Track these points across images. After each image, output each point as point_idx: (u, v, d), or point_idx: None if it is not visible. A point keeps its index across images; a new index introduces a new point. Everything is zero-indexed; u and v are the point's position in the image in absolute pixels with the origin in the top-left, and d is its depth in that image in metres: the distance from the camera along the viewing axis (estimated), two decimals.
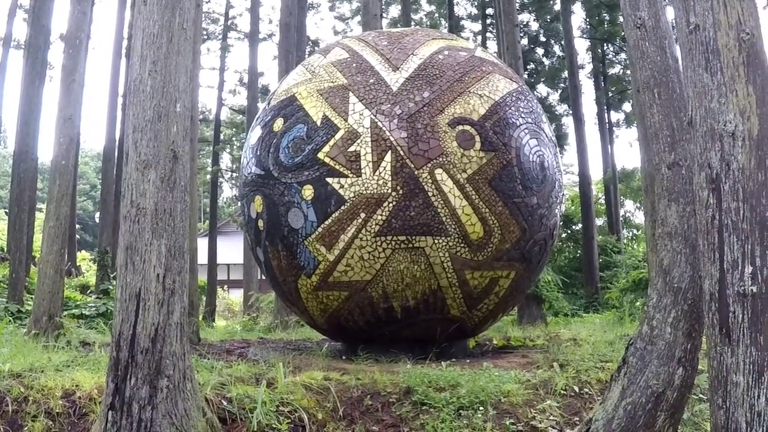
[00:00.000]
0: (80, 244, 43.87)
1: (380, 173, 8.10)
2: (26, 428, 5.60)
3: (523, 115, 8.91)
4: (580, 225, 28.83)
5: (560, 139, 32.35)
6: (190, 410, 5.25)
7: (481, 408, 6.34)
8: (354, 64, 8.97)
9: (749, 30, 4.00)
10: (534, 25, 35.86)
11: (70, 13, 12.23)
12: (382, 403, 6.56)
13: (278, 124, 8.94)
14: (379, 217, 8.08)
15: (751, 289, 3.73)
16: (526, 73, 31.57)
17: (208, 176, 35.06)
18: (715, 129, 3.97)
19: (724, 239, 3.87)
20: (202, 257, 22.80)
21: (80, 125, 21.63)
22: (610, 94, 34.11)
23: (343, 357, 9.15)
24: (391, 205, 8.06)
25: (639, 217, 38.12)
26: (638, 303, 17.15)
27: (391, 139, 8.18)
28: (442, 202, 8.08)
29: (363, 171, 8.15)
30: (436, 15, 38.54)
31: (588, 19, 34.26)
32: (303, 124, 8.64)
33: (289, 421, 5.98)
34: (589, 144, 31.92)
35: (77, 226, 41.14)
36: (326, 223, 8.25)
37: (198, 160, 26.50)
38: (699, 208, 4.08)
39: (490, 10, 33.79)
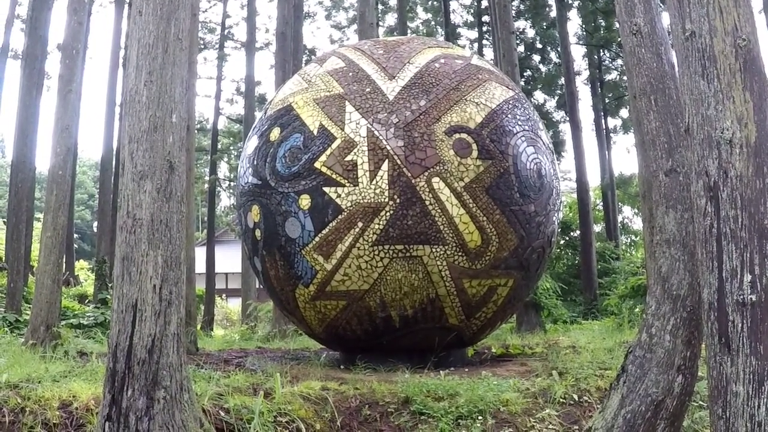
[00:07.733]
0: (78, 253, 43.83)
1: (377, 182, 8.08)
2: None
3: (519, 123, 8.90)
4: (578, 232, 28.71)
5: (558, 146, 32.33)
6: (188, 421, 5.23)
7: (479, 417, 6.32)
8: (350, 73, 8.96)
9: (746, 36, 3.99)
10: (530, 32, 35.79)
11: (67, 23, 12.22)
12: (380, 413, 6.54)
13: (275, 133, 8.92)
14: (377, 226, 8.06)
15: (750, 298, 3.71)
16: (523, 80, 31.55)
17: (206, 185, 34.98)
18: (712, 136, 3.95)
19: (722, 247, 3.85)
20: (201, 266, 22.74)
21: (77, 135, 21.67)
22: (607, 101, 34.03)
23: (341, 366, 9.11)
24: (388, 214, 8.04)
25: (637, 223, 38.07)
26: (637, 309, 17.10)
27: (388, 147, 8.17)
28: (439, 210, 8.06)
29: (360, 180, 8.13)
30: (432, 23, 38.51)
31: (584, 26, 34.21)
32: (300, 133, 8.62)
33: (287, 431, 5.96)
34: (587, 150, 31.81)
35: (75, 235, 41.15)
36: (323, 232, 8.23)
37: (195, 170, 26.45)
38: (697, 217, 4.06)
39: (486, 18, 33.81)
